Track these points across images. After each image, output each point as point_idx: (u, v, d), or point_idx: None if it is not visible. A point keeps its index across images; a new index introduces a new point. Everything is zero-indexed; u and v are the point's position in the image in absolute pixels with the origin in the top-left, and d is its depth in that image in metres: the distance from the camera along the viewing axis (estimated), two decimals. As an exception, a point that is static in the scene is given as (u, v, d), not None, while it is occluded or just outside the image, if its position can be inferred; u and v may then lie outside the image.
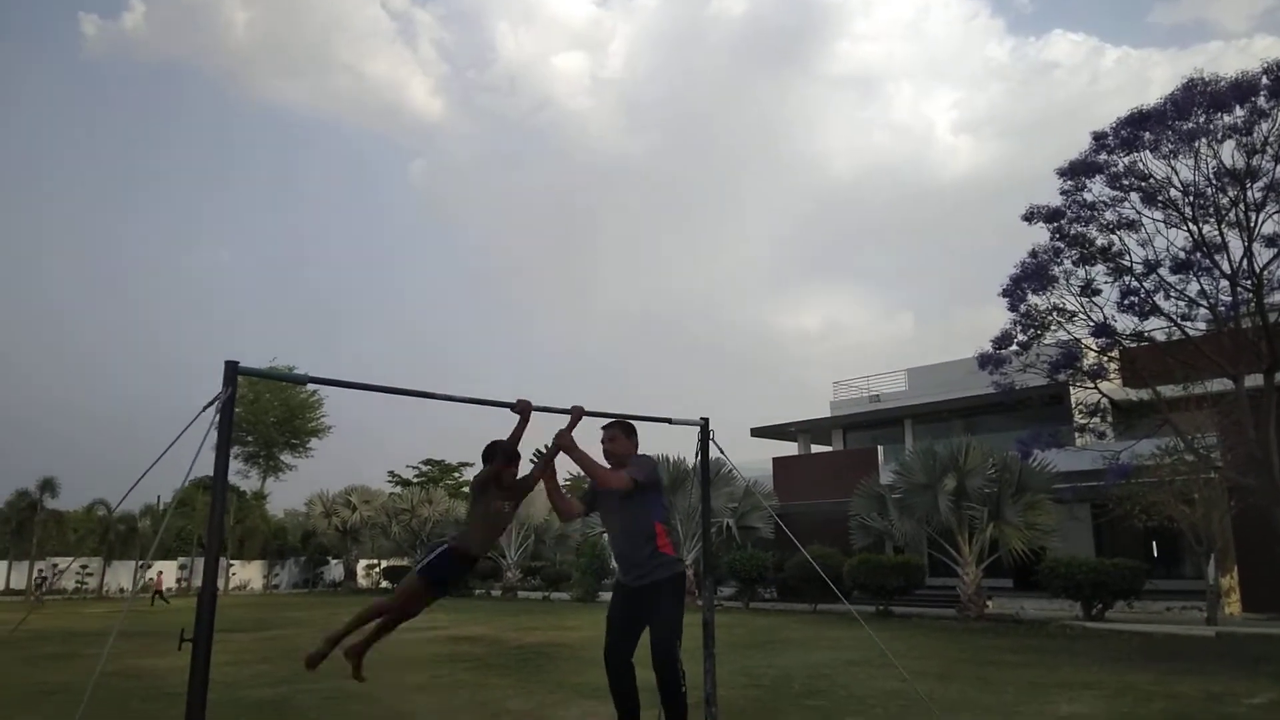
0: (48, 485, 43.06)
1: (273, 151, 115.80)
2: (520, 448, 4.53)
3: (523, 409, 4.35)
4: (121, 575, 42.76)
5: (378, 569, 49.00)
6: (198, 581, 45.74)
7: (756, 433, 38.95)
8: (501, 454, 4.42)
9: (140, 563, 42.65)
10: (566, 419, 4.62)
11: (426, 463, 64.84)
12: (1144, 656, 13.17)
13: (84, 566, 43.64)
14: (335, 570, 51.43)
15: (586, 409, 4.70)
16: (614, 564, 4.88)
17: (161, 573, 40.44)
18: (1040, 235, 16.61)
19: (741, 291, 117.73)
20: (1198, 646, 14.70)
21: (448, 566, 4.31)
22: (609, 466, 4.70)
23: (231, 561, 47.09)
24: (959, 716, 8.22)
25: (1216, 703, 8.99)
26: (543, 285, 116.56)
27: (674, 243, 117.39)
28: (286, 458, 65.62)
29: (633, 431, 4.81)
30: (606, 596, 33.20)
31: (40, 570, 39.95)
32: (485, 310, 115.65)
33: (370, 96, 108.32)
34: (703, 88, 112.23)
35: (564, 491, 4.84)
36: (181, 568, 47.32)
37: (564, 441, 4.44)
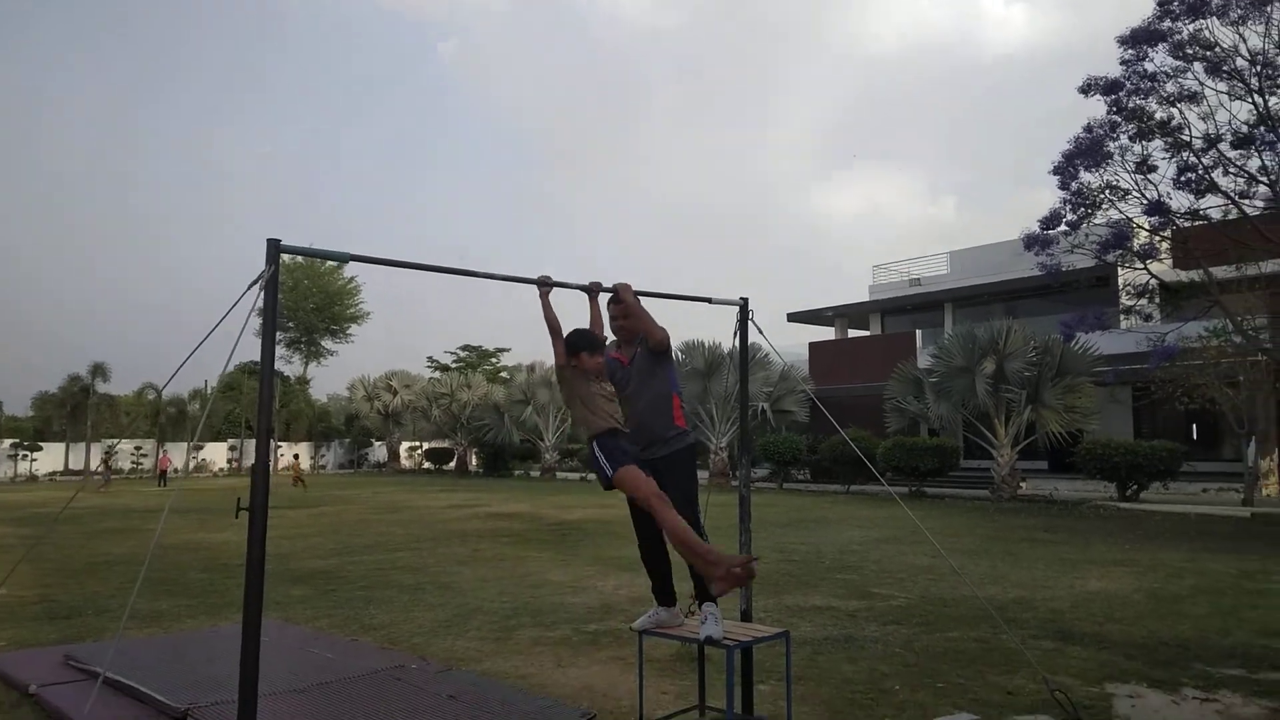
0: (99, 370, 44.34)
1: (296, 37, 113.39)
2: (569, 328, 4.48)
3: (541, 283, 4.31)
4: (175, 456, 44.40)
5: (420, 451, 50.38)
6: (248, 462, 47.59)
7: (793, 318, 38.75)
8: (585, 344, 4.34)
9: (192, 444, 44.18)
10: (585, 296, 4.59)
11: (464, 348, 65.70)
12: (1177, 536, 13.25)
13: (138, 448, 45.34)
14: (379, 452, 53.01)
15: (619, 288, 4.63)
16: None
17: (167, 452, 41.71)
18: (1096, 109, 15.93)
19: (779, 175, 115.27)
20: (1233, 526, 14.75)
21: (604, 454, 4.14)
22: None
23: (279, 443, 48.62)
24: (988, 589, 8.37)
25: (1248, 579, 9.05)
26: (577, 171, 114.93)
27: (709, 125, 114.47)
28: (327, 343, 66.90)
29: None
30: (643, 477, 34.24)
31: (108, 449, 41.51)
32: (520, 197, 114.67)
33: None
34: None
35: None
36: (231, 449, 49.02)
37: (624, 286, 4.48)
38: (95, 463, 41.11)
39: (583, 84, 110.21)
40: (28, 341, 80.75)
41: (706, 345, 28.36)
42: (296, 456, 41.69)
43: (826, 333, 39.27)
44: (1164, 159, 15.58)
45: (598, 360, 4.34)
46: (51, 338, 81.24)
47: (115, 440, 42.92)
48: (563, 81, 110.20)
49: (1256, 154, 14.73)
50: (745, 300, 5.17)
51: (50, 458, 43.34)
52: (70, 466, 43.92)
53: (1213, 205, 15.81)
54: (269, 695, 4.43)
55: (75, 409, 43.39)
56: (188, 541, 13.52)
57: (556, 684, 5.20)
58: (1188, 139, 15.11)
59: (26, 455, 42.09)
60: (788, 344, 36.94)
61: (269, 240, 3.29)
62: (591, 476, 35.00)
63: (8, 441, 42.37)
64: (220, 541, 13.50)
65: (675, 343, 35.25)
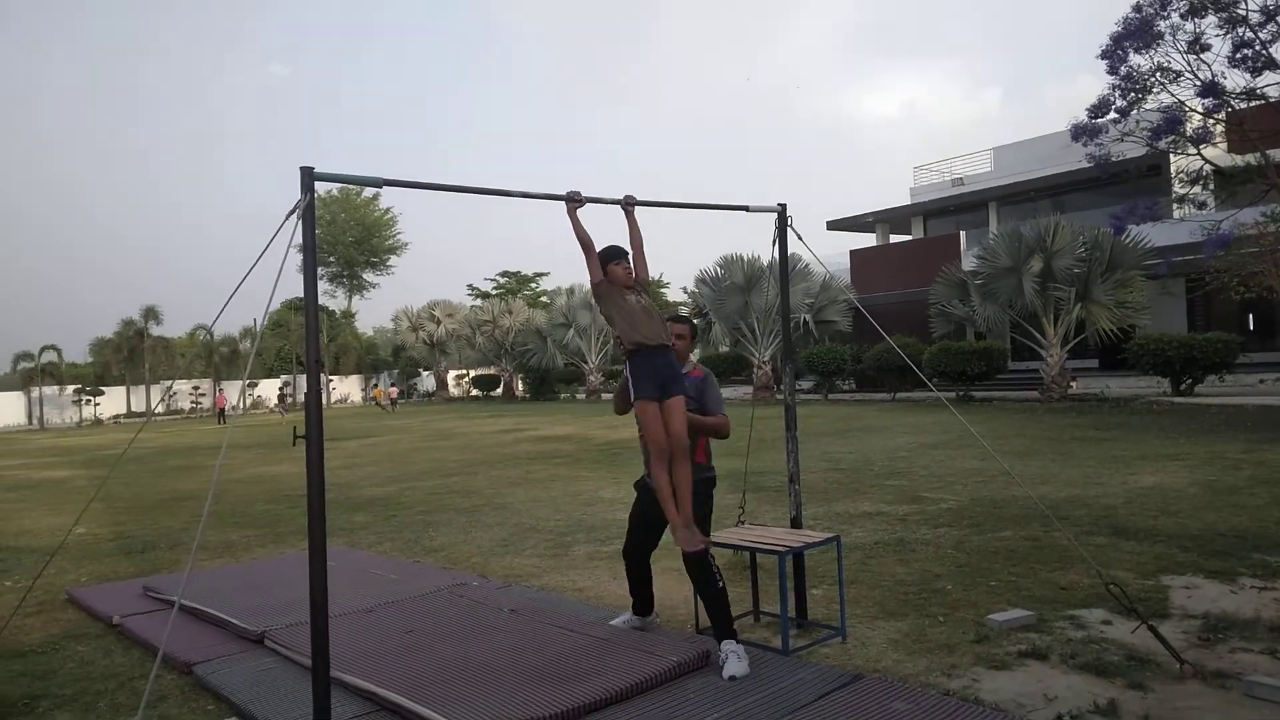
0: (151, 313, 45.36)
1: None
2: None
3: (570, 199, 4.21)
4: (231, 394, 45.58)
5: (467, 378, 51.05)
6: (301, 396, 48.71)
7: (833, 225, 38.09)
8: (611, 255, 4.24)
9: (245, 381, 45.31)
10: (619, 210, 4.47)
11: (503, 274, 65.85)
12: (1234, 428, 13.03)
13: (195, 388, 46.58)
14: (428, 381, 53.85)
15: (646, 202, 4.48)
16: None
17: (223, 390, 42.84)
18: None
19: (813, 74, 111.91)
20: (1291, 416, 14.46)
21: (633, 378, 4.13)
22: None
23: (330, 377, 49.51)
24: (1039, 489, 8.35)
25: (1309, 468, 8.90)
26: (608, 82, 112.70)
27: (740, 22, 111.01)
28: (369, 276, 67.56)
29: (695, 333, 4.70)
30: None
31: (284, 384, 43.50)
32: (549, 111, 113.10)
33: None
34: None
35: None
36: (284, 385, 50.13)
37: (631, 208, 4.33)
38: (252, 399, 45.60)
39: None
40: (80, 286, 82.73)
41: (745, 259, 28.08)
42: (376, 385, 47.28)
43: (867, 239, 38.60)
44: (1218, 36, 14.82)
45: (625, 267, 4.27)
46: (103, 280, 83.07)
47: (170, 381, 44.07)
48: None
49: (1321, 25, 13.94)
50: (784, 206, 5.07)
51: (112, 402, 44.74)
52: (132, 409, 45.34)
53: (1271, 83, 15.08)
54: (339, 616, 4.61)
55: (132, 353, 44.57)
56: (251, 475, 13.97)
57: (613, 596, 5.34)
58: (1243, 13, 14.33)
59: (90, 400, 43.50)
60: (828, 253, 36.44)
61: (303, 168, 3.29)
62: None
63: (71, 388, 43.77)
64: (281, 474, 13.93)
65: (713, 257, 34.71)
